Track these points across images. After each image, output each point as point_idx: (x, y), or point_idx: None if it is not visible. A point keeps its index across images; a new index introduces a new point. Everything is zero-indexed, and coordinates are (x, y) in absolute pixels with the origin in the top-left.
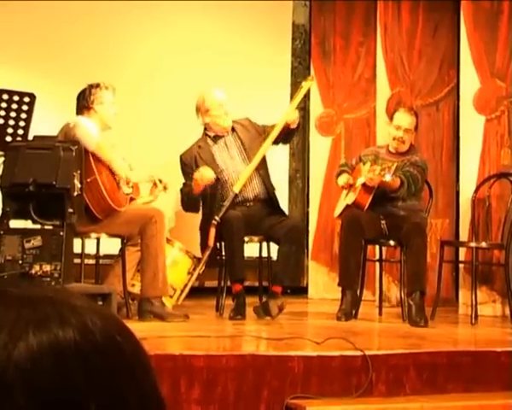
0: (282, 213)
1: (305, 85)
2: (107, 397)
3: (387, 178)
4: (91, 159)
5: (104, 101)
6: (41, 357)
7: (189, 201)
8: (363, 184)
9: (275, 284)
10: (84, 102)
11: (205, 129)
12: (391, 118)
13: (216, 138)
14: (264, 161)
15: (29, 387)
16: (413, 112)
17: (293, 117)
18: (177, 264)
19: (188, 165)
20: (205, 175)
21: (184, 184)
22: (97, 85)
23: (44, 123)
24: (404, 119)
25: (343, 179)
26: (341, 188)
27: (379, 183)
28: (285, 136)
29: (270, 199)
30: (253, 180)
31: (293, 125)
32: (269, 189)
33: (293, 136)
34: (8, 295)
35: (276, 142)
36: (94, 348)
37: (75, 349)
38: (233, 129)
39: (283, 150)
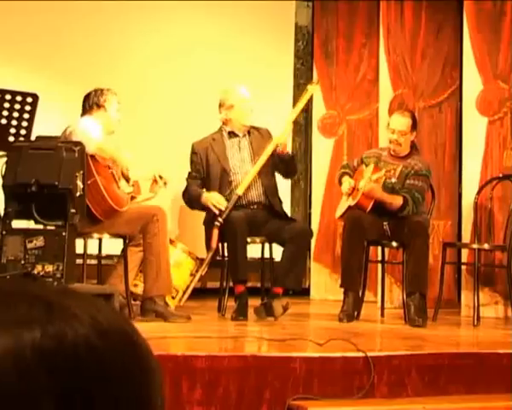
0: (289, 217)
1: (309, 89)
2: (72, 398)
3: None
4: (90, 161)
5: (113, 104)
6: (2, 358)
7: (192, 202)
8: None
9: (276, 286)
10: (95, 100)
11: (223, 123)
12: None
13: (231, 135)
14: (271, 178)
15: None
16: (407, 113)
17: (281, 140)
18: (180, 265)
19: (198, 154)
20: (218, 205)
21: (189, 173)
22: (108, 89)
23: (47, 123)
24: (396, 121)
25: (346, 186)
26: (344, 194)
27: (376, 198)
28: (280, 164)
29: (273, 207)
30: (258, 187)
31: (281, 150)
32: (272, 201)
33: (290, 168)
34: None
35: (278, 170)
36: (60, 350)
37: (39, 351)
38: (249, 133)
39: None
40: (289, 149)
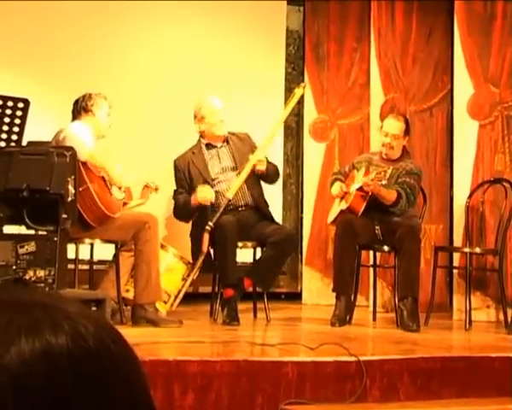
0: (274, 221)
1: (297, 92)
2: (99, 403)
3: (383, 182)
4: (82, 168)
5: (102, 107)
6: (32, 362)
7: (184, 211)
8: (358, 190)
9: (250, 278)
10: (83, 105)
11: (200, 136)
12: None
13: (209, 147)
14: (256, 180)
15: (19, 392)
16: (401, 117)
17: (258, 159)
18: (172, 270)
19: (181, 170)
20: (207, 196)
21: (175, 191)
22: (97, 93)
23: (38, 128)
24: (390, 125)
25: (336, 189)
26: (335, 197)
27: (374, 191)
28: (261, 177)
29: (261, 210)
30: (244, 191)
31: (260, 168)
32: (260, 205)
33: (270, 179)
34: (0, 300)
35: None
36: (86, 355)
37: (67, 355)
38: (227, 141)
39: (277, 156)
40: (264, 167)
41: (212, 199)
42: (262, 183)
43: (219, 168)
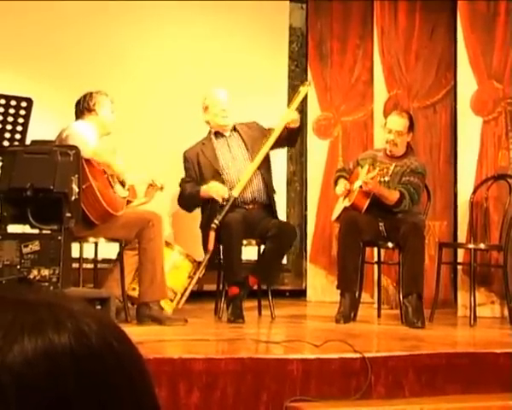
0: (276, 215)
1: (302, 91)
2: (101, 402)
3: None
4: (85, 165)
5: (105, 105)
6: (35, 361)
7: (189, 200)
8: (361, 187)
9: (255, 277)
10: (85, 105)
11: (210, 127)
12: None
13: (218, 136)
14: (267, 162)
15: (22, 391)
16: (405, 114)
17: (292, 117)
18: (178, 268)
19: (190, 161)
20: (219, 193)
21: (183, 179)
22: (98, 91)
23: (42, 128)
24: (394, 121)
25: (340, 188)
26: (339, 196)
27: (373, 190)
28: (288, 136)
29: (268, 204)
30: (254, 181)
31: (294, 125)
32: (269, 191)
33: (297, 136)
34: (4, 298)
35: (280, 144)
36: (89, 353)
37: (70, 354)
38: (236, 129)
39: (281, 153)
40: (298, 123)
41: (224, 196)
42: (269, 174)
43: (229, 157)
